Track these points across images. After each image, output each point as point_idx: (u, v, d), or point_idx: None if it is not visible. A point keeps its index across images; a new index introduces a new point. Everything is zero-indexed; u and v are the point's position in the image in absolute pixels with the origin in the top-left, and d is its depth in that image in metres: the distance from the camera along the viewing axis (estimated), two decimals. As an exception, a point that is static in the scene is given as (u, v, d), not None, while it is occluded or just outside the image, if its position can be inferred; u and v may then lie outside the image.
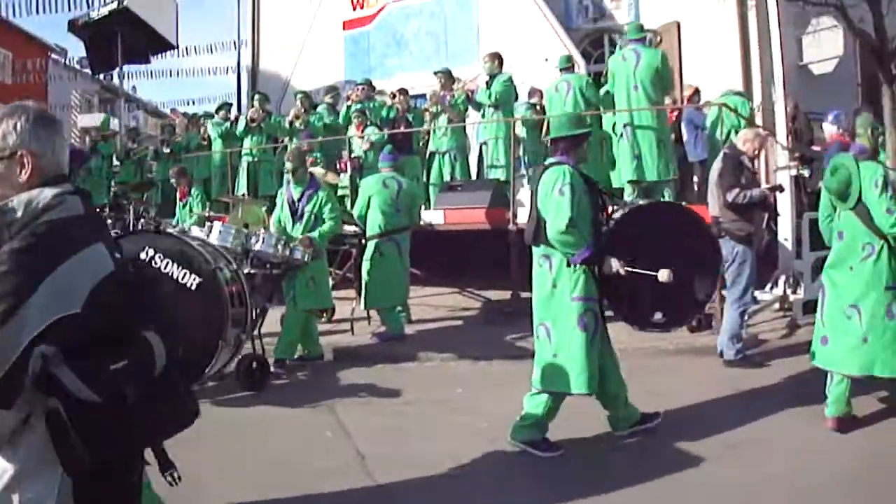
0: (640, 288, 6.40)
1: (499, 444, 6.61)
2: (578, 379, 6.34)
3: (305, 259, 9.38)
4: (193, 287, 4.89)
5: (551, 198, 6.30)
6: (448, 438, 7.04)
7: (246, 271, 9.10)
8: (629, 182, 11.72)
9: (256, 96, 16.70)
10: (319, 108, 15.96)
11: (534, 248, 6.74)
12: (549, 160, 6.77)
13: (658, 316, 6.65)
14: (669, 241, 6.52)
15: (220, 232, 8.89)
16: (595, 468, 6.36)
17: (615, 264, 6.27)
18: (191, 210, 13.60)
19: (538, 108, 14.14)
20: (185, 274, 4.92)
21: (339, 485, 6.06)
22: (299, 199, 9.80)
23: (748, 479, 5.93)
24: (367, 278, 10.90)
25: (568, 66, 12.83)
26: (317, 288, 9.84)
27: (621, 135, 11.71)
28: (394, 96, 15.38)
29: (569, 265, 6.35)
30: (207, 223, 9.81)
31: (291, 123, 15.28)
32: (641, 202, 7.29)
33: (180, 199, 14.29)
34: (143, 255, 4.90)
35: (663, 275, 6.11)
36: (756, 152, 9.29)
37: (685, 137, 13.21)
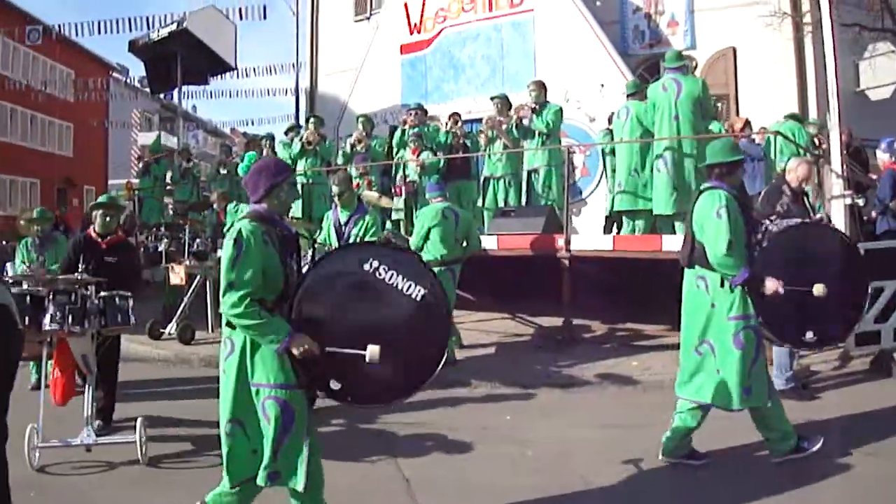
0: (793, 307, 6.56)
1: (541, 477, 6.56)
2: (735, 395, 6.51)
3: None
4: (418, 298, 5.01)
5: (710, 221, 6.49)
6: (492, 467, 7.01)
7: None
8: (660, 215, 11.67)
9: (311, 119, 16.80)
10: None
11: (687, 270, 6.90)
12: (704, 185, 6.88)
13: (809, 335, 6.76)
14: (818, 260, 6.79)
15: None
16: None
17: (773, 284, 6.38)
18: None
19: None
20: (410, 286, 5.01)
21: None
22: (346, 223, 9.80)
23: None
24: None
25: (634, 91, 12.75)
26: None
27: (659, 165, 11.61)
28: (455, 122, 15.36)
29: (722, 285, 6.54)
30: None
31: (353, 147, 15.34)
32: (790, 223, 7.20)
33: (219, 219, 14.40)
34: (366, 266, 4.98)
35: (818, 289, 6.31)
36: (801, 182, 9.11)
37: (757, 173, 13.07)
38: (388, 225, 13.04)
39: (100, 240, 8.59)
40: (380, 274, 5.10)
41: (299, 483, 4.96)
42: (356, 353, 4.83)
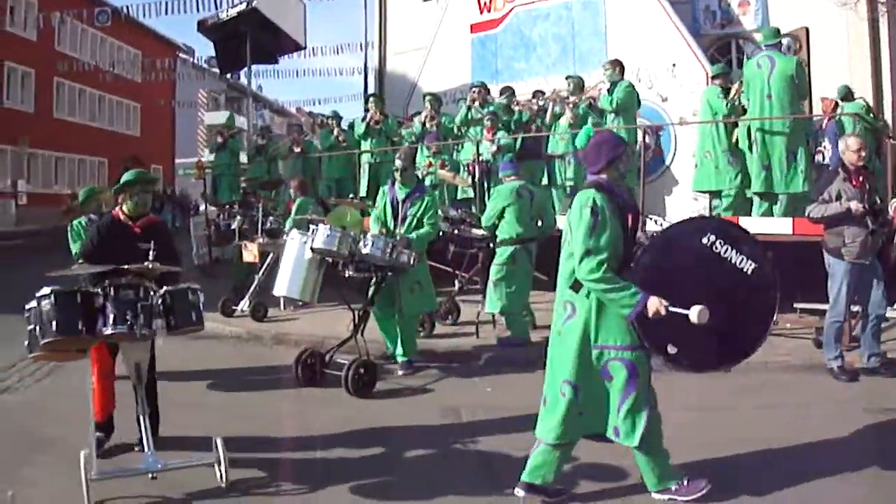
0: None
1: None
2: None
3: (412, 263, 9.40)
4: (749, 272, 5.20)
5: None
6: (579, 449, 6.90)
7: (348, 274, 9.37)
8: (756, 194, 11.51)
9: (371, 98, 16.83)
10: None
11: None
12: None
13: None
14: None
15: (326, 235, 9.01)
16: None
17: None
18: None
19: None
20: (742, 260, 5.20)
21: (464, 488, 6.09)
22: (403, 201, 9.81)
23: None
24: (497, 283, 10.85)
25: (717, 74, 12.61)
26: (422, 291, 9.88)
27: (751, 145, 11.48)
28: (535, 95, 15.25)
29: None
30: (311, 226, 9.94)
31: (424, 125, 15.32)
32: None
33: (288, 207, 14.39)
34: (704, 240, 5.18)
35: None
36: (856, 154, 8.93)
37: (829, 153, 12.86)
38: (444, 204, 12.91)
39: (130, 222, 7.05)
40: (716, 248, 5.36)
41: (636, 439, 5.39)
42: (684, 313, 5.06)
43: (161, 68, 40.24)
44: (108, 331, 5.89)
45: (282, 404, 8.63)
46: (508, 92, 15.57)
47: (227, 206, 15.87)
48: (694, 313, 5.03)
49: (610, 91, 13.23)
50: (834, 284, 9.06)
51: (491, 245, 11.12)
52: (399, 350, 9.84)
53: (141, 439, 6.11)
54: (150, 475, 5.93)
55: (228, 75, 41.68)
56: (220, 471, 6.13)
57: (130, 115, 46.32)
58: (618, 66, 13.33)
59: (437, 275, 12.56)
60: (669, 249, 5.42)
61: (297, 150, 17.53)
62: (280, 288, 9.49)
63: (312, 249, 9.07)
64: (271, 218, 13.71)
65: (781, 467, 6.35)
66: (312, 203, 13.86)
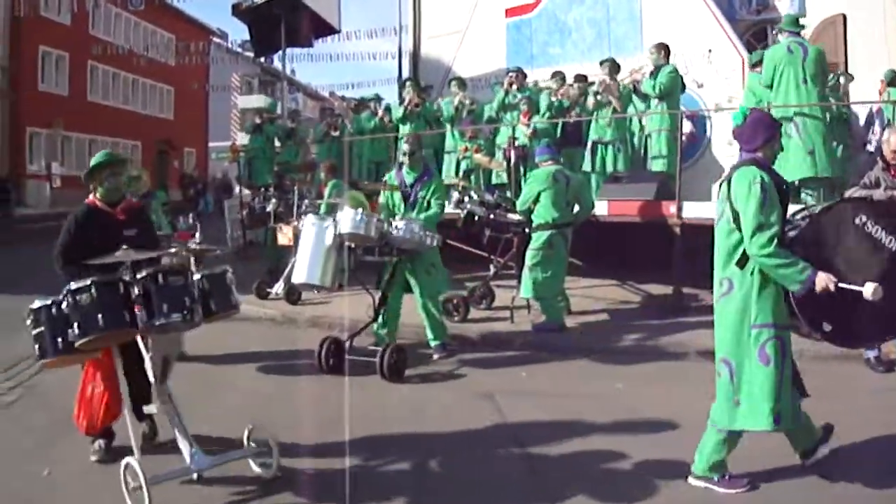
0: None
1: (660, 450, 6.41)
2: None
3: (435, 244, 9.32)
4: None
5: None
6: (610, 438, 6.87)
7: (368, 258, 9.50)
8: (803, 179, 11.40)
9: (408, 83, 16.79)
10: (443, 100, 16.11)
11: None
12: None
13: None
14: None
15: (355, 219, 8.79)
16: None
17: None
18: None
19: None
20: (891, 240, 5.30)
21: (500, 473, 6.08)
22: (412, 185, 9.79)
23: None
24: (533, 268, 10.79)
25: (759, 61, 12.50)
26: (436, 273, 9.84)
27: (790, 130, 11.34)
28: (570, 82, 15.16)
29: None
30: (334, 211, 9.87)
31: (458, 109, 15.28)
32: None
33: (321, 190, 14.38)
34: (856, 221, 5.29)
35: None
36: (893, 159, 8.65)
37: (876, 137, 12.72)
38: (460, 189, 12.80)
39: (110, 209, 6.54)
40: (867, 227, 5.44)
41: (791, 421, 5.54)
42: (856, 289, 5.12)
43: (195, 52, 40.43)
44: (160, 321, 5.49)
45: (314, 388, 8.61)
46: (559, 76, 15.42)
47: (262, 189, 15.87)
48: (869, 289, 5.07)
49: (654, 75, 13.12)
50: None
51: (526, 230, 11.05)
52: (430, 334, 9.81)
53: (178, 438, 5.73)
54: (197, 474, 5.69)
55: (262, 59, 41.81)
56: (271, 460, 5.92)
57: (164, 98, 46.55)
58: (663, 49, 13.22)
59: (473, 259, 12.57)
60: (823, 229, 5.45)
61: (335, 133, 17.52)
62: (299, 275, 9.09)
63: (341, 235, 8.88)
64: (306, 201, 13.71)
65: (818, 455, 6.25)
66: (342, 186, 13.83)
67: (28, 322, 5.70)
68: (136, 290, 5.48)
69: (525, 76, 15.45)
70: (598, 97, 13.81)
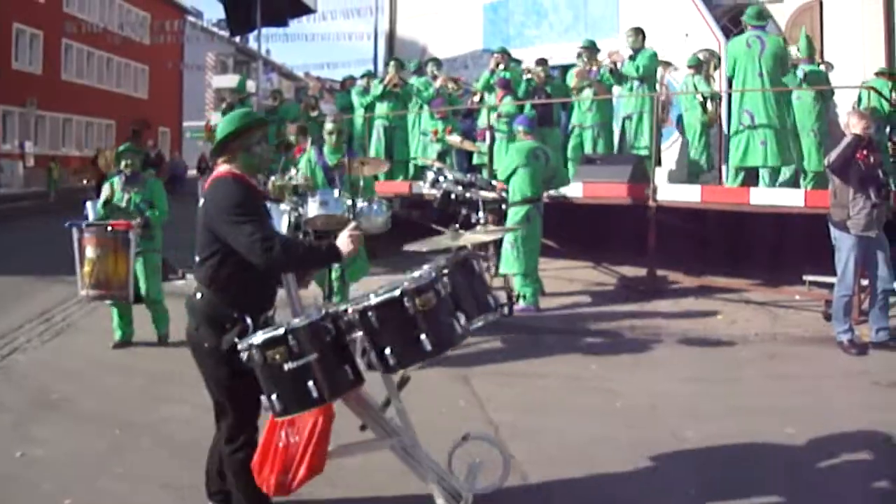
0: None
1: (634, 431, 6.45)
2: None
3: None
4: None
5: None
6: (583, 418, 6.91)
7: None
8: (739, 167, 11.61)
9: (392, 62, 16.75)
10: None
11: None
12: None
13: None
14: None
15: (329, 201, 8.34)
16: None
17: None
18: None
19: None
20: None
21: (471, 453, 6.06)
22: (334, 167, 9.21)
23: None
24: (513, 243, 10.74)
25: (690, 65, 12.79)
26: (361, 259, 9.29)
27: (744, 119, 11.52)
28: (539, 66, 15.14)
29: None
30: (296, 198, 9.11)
31: (441, 93, 15.28)
32: None
33: (295, 155, 14.23)
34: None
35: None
36: (865, 132, 8.94)
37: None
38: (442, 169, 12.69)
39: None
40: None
41: None
42: None
43: (170, 31, 40.17)
44: (477, 324, 4.93)
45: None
46: (544, 64, 15.37)
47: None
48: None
49: (633, 58, 13.12)
50: (840, 258, 9.08)
51: (503, 206, 11.01)
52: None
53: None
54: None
55: (237, 38, 41.61)
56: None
57: (138, 77, 46.29)
58: (640, 34, 13.22)
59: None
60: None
61: (314, 113, 17.44)
62: None
63: (315, 218, 8.37)
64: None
65: (787, 437, 6.33)
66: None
67: (275, 356, 4.24)
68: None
69: (510, 57, 15.42)
70: (579, 85, 13.79)
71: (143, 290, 9.27)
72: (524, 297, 10.89)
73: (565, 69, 14.85)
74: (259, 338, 4.23)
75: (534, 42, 17.81)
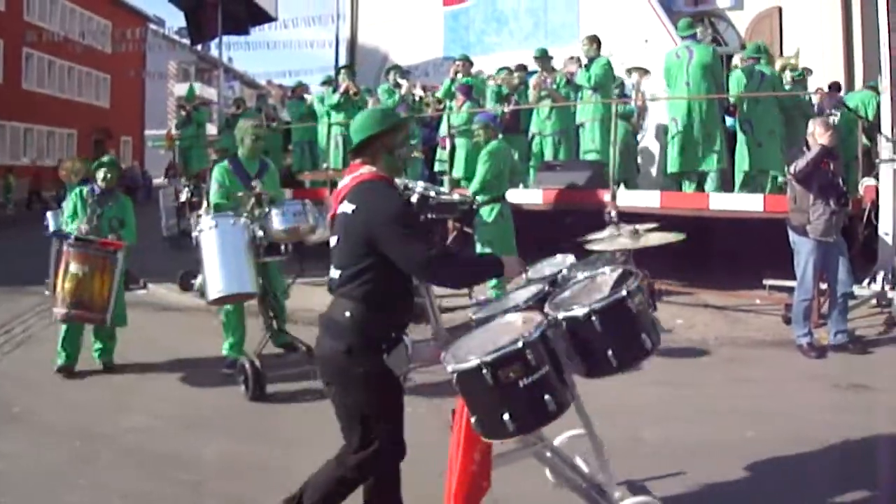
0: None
1: (616, 431, 6.44)
2: None
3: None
4: None
5: None
6: (558, 421, 6.86)
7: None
8: (672, 173, 12.09)
9: (343, 70, 16.63)
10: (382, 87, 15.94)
11: None
12: None
13: None
14: None
15: (291, 213, 8.17)
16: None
17: None
18: None
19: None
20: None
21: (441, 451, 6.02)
22: (256, 174, 8.76)
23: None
24: (489, 243, 10.74)
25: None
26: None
27: (671, 127, 12.14)
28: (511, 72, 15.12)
29: None
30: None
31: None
32: None
33: None
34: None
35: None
36: (831, 142, 9.03)
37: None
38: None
39: None
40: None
41: None
42: None
43: (131, 39, 39.90)
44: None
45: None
46: (506, 71, 15.35)
47: (196, 178, 15.71)
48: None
49: (587, 67, 13.15)
50: (800, 262, 9.18)
51: (475, 207, 10.95)
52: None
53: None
54: None
55: (199, 46, 41.46)
56: None
57: (100, 86, 46.00)
58: (595, 42, 13.22)
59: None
60: None
61: (271, 123, 17.36)
62: (220, 287, 7.89)
63: (281, 231, 8.11)
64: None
65: (748, 439, 6.39)
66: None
67: (509, 374, 3.94)
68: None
69: (471, 65, 15.41)
70: (538, 94, 13.80)
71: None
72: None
73: (529, 75, 14.90)
74: (490, 356, 3.85)
75: (494, 49, 17.89)
